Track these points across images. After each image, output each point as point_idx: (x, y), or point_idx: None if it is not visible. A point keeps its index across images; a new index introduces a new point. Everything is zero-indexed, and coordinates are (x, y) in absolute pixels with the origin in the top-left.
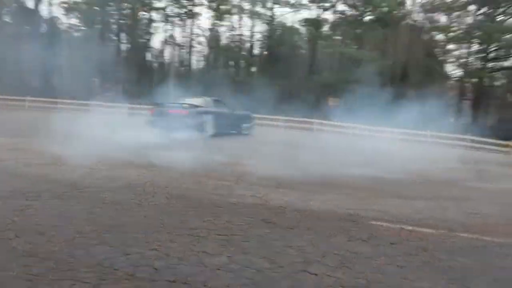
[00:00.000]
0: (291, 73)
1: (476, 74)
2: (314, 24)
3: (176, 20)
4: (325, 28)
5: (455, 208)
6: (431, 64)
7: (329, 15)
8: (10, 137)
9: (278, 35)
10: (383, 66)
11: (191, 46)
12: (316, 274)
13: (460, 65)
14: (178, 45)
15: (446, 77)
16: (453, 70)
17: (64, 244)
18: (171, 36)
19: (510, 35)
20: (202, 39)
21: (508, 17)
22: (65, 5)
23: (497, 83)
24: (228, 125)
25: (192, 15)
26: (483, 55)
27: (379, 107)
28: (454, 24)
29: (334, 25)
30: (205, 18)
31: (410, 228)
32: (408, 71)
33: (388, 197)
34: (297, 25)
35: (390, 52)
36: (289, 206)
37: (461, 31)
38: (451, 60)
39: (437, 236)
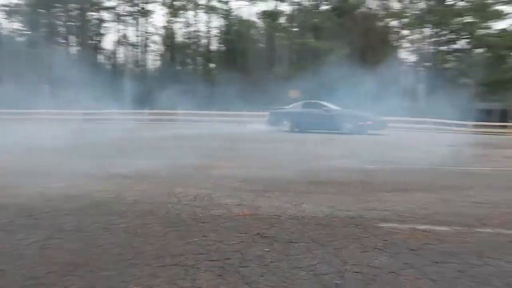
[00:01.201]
0: (250, 67)
1: (429, 59)
2: (271, 16)
3: (129, 19)
4: (282, 20)
5: (459, 198)
6: (387, 50)
7: (285, 7)
8: None
9: (235, 29)
10: (341, 55)
11: (145, 45)
12: None
13: (414, 50)
14: (132, 45)
15: (402, 62)
16: (408, 55)
17: None
18: (124, 36)
19: (460, 18)
20: (156, 37)
21: (456, 0)
22: (6, 8)
23: (448, 65)
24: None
25: (145, 13)
26: (436, 39)
27: (343, 94)
28: (407, 10)
29: (291, 17)
30: (159, 15)
31: (422, 227)
32: (366, 58)
33: (383, 191)
34: (254, 18)
35: (347, 41)
36: (282, 214)
37: (414, 17)
38: (406, 45)
39: (456, 235)
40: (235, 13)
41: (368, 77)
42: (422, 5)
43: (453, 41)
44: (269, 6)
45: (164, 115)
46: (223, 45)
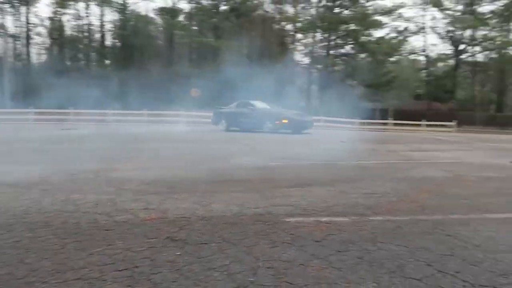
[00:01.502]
0: (148, 64)
1: (320, 61)
2: (169, 13)
3: (7, 7)
4: (181, 18)
5: (352, 190)
6: (283, 52)
7: (184, 4)
8: None
9: (131, 25)
10: (240, 55)
11: (28, 37)
12: None
13: (308, 53)
14: (12, 36)
15: (296, 64)
16: (302, 57)
17: None
18: (2, 26)
19: (346, 25)
20: (41, 29)
21: (343, 9)
22: None
23: (337, 68)
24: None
25: (27, 2)
26: (326, 43)
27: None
28: (300, 15)
29: (190, 15)
30: (44, 5)
31: (324, 219)
32: (263, 59)
33: (286, 187)
34: (152, 14)
35: (245, 42)
36: (192, 216)
37: (306, 22)
38: (300, 48)
39: (353, 224)
40: (131, 7)
41: (265, 76)
42: (313, 11)
43: (341, 46)
44: (167, 3)
45: (52, 114)
46: (118, 41)
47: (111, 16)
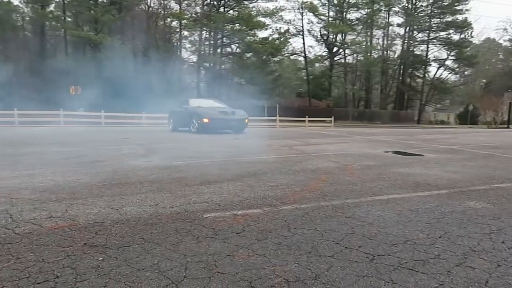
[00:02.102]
0: (14, 58)
1: (208, 59)
2: (39, 2)
3: None
4: (53, 8)
5: (259, 183)
6: (169, 48)
7: None
8: None
9: None
10: (123, 50)
11: None
12: None
13: (195, 51)
14: None
15: (183, 61)
16: (189, 55)
17: None
18: None
19: (232, 25)
20: None
21: (228, 9)
22: None
23: (225, 66)
24: None
25: None
26: (213, 42)
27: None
28: (186, 12)
29: (64, 5)
30: None
31: (240, 212)
32: (148, 55)
33: (196, 184)
34: (17, 2)
35: (128, 37)
36: (105, 220)
37: (192, 19)
38: (187, 45)
39: (266, 214)
40: None
41: (151, 73)
42: (199, 9)
43: (228, 45)
44: None
45: None
46: None
47: None
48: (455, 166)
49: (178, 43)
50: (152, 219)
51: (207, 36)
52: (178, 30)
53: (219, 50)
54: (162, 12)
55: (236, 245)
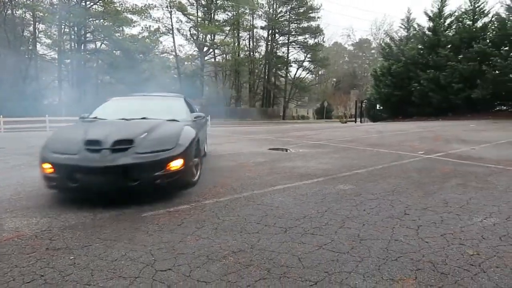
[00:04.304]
0: None
1: (70, 56)
2: None
3: None
4: None
5: None
6: (22, 43)
7: None
8: None
9: None
10: None
11: None
12: None
13: (53, 45)
14: None
15: (40, 57)
16: (46, 50)
17: None
18: None
19: (97, 20)
20: None
21: (91, 3)
22: None
23: (91, 64)
24: None
25: None
26: (76, 37)
27: None
28: (40, 4)
29: None
30: None
31: (172, 209)
32: None
33: None
34: None
35: None
36: (51, 227)
37: (48, 12)
38: (44, 40)
39: (194, 208)
40: None
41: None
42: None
43: (92, 41)
44: None
45: None
46: None
47: None
48: (325, 158)
49: (32, 38)
50: (96, 222)
51: (66, 30)
52: (31, 22)
53: (82, 47)
54: (14, 2)
55: (183, 234)
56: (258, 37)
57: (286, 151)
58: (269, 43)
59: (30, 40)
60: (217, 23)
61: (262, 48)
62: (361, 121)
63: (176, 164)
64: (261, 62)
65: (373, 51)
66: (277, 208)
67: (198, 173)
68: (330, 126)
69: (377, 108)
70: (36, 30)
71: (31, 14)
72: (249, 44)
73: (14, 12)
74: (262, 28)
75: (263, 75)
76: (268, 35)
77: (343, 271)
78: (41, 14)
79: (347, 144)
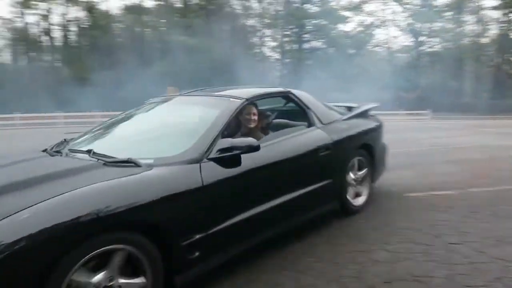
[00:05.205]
0: (119, 63)
1: (292, 55)
2: (135, 11)
3: None
4: (148, 17)
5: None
6: (252, 47)
7: (150, 2)
8: None
9: (99, 23)
10: (214, 52)
11: None
12: None
13: (277, 48)
14: None
15: (266, 58)
16: (271, 52)
17: None
18: None
19: (316, 20)
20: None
21: (308, 4)
22: None
23: (308, 62)
24: None
25: None
26: (294, 38)
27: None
28: (268, 11)
29: (159, 13)
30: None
31: (438, 193)
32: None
33: None
34: (117, 12)
35: (216, 38)
36: None
37: (274, 18)
38: (270, 43)
39: (460, 195)
40: (96, 6)
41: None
42: (280, 7)
43: (307, 41)
44: (133, 1)
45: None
46: (85, 40)
47: (76, 14)
48: None
49: (261, 41)
50: None
51: (287, 33)
52: (259, 29)
53: (300, 46)
54: (246, 12)
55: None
56: (486, 20)
57: None
58: (503, 26)
59: (257, 45)
60: (436, 9)
61: (493, 32)
62: None
63: None
64: (491, 49)
65: None
66: None
67: None
68: None
69: None
70: (262, 36)
71: (259, 21)
72: (475, 28)
73: (246, 22)
74: (494, 8)
75: (493, 63)
76: (504, 14)
77: None
78: (268, 20)
79: None
